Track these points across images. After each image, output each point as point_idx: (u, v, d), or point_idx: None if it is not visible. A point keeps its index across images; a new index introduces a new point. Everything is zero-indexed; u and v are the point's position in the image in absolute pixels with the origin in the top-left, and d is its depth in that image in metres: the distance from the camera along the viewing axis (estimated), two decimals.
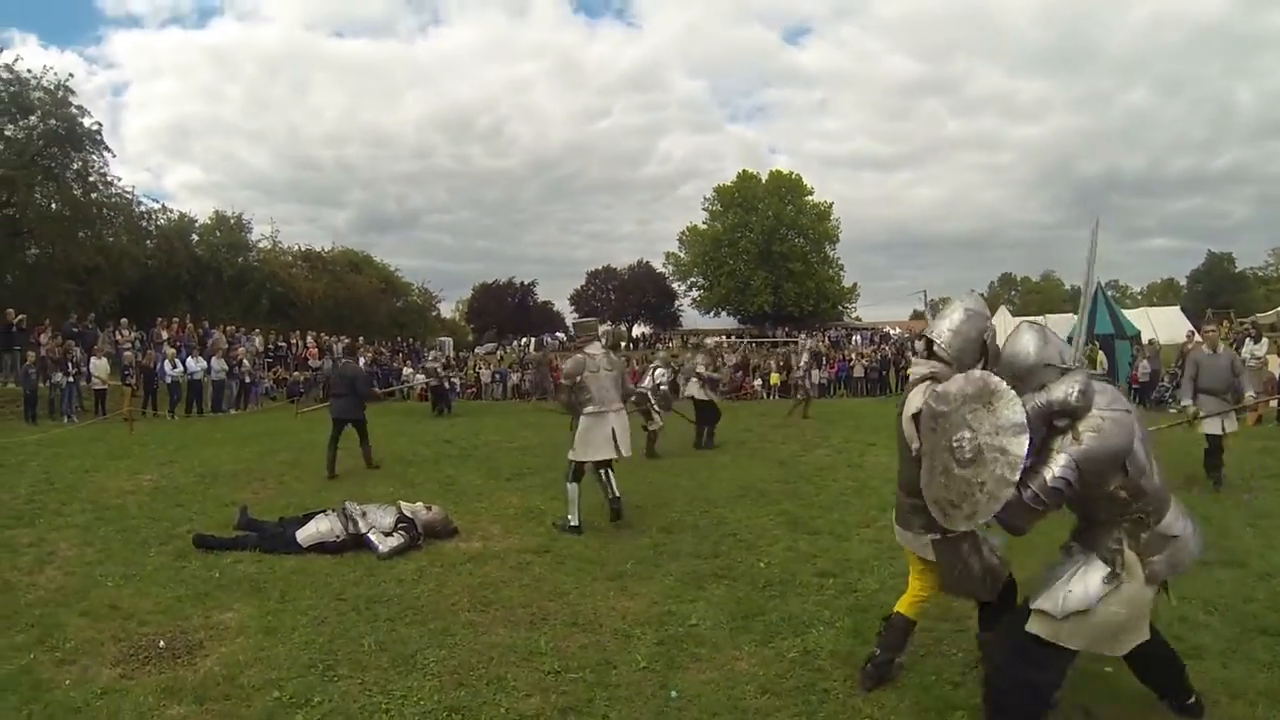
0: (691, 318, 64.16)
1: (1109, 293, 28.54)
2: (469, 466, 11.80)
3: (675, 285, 64.32)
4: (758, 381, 31.06)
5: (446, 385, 25.69)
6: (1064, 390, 3.33)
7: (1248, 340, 17.92)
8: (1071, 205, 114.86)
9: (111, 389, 19.09)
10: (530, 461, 12.14)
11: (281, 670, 4.46)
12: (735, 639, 4.99)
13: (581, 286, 68.63)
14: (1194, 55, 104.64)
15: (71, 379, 18.36)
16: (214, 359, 21.87)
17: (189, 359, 21.29)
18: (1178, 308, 41.08)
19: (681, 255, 61.72)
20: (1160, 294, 71.98)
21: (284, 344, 29.03)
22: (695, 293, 61.70)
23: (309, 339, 29.83)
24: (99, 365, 19.13)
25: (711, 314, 60.53)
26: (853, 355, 34.10)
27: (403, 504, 7.41)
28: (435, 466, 11.84)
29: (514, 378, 32.91)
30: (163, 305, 31.37)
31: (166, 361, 20.51)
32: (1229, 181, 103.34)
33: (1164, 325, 29.32)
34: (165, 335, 22.86)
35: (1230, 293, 56.66)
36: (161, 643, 4.78)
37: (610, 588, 5.83)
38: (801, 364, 25.48)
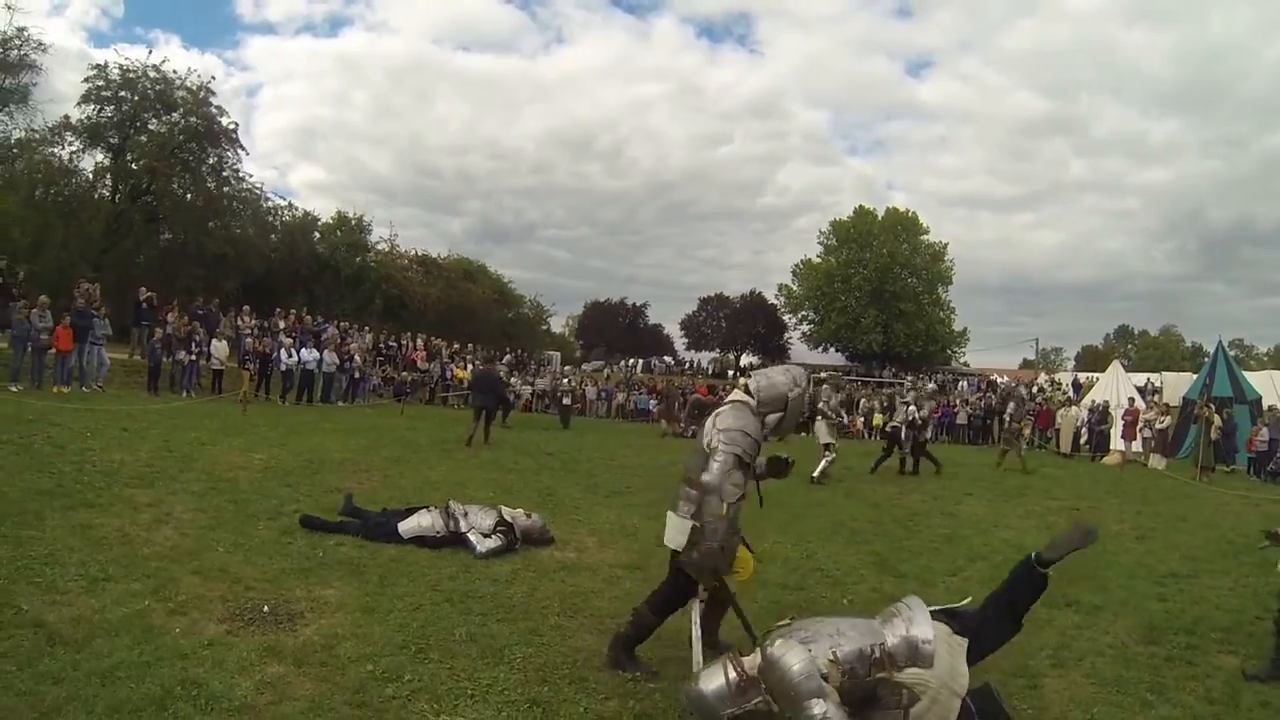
0: (799, 351, 63.70)
1: (1231, 353, 26.96)
2: (569, 480, 12.09)
3: (786, 317, 64.18)
4: (860, 420, 30.56)
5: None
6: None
7: None
8: (1198, 256, 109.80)
9: (228, 370, 20.44)
10: (630, 481, 12.34)
11: (376, 647, 4.74)
12: None
13: (693, 312, 68.96)
14: None
15: (194, 357, 19.74)
16: (326, 351, 23.05)
17: (303, 349, 22.46)
18: None
19: (794, 288, 61.79)
20: None
21: (394, 344, 30.16)
22: (805, 326, 61.61)
23: (418, 341, 30.94)
24: (219, 347, 20.45)
25: (820, 349, 60.28)
26: (958, 401, 33.43)
27: (504, 509, 7.71)
28: (536, 477, 12.17)
29: (620, 397, 33.34)
30: (282, 296, 33.12)
31: (283, 350, 21.69)
32: None
33: None
34: (283, 325, 24.12)
35: None
36: (266, 608, 5.14)
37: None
38: (1008, 412, 24.51)
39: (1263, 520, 11.68)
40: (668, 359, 62.78)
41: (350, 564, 6.36)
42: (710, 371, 58.73)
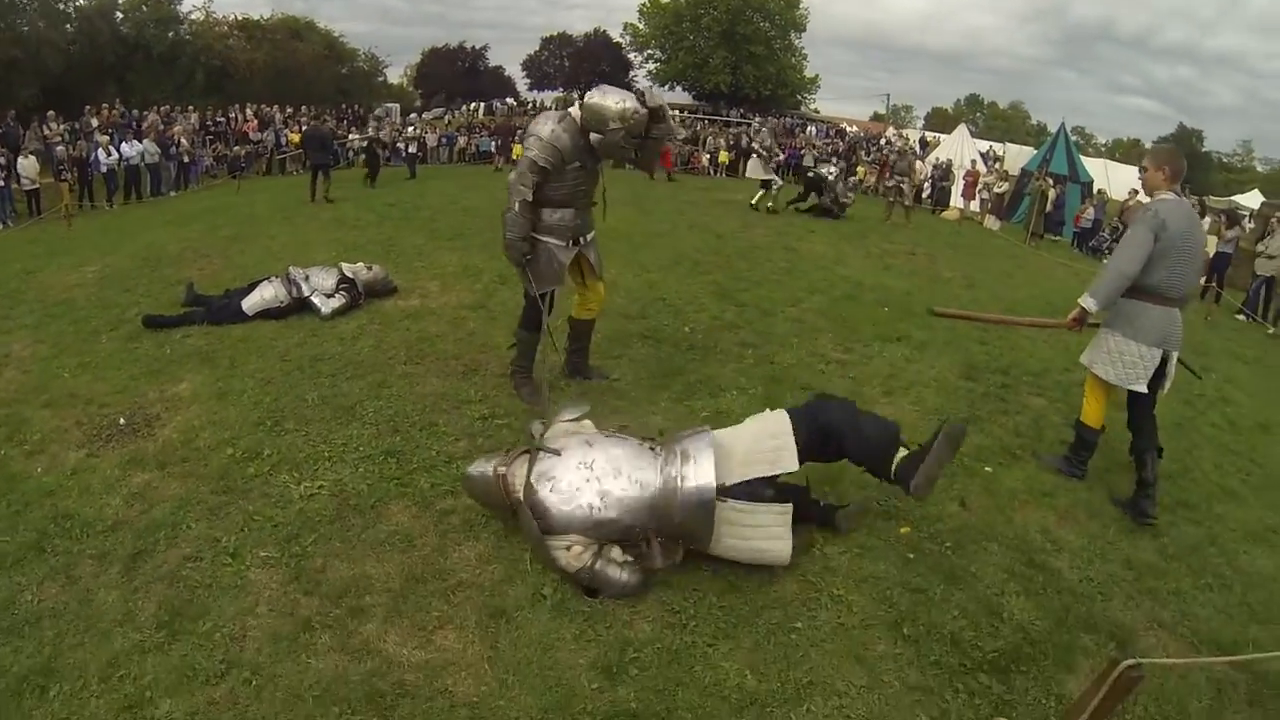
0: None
1: (1072, 138, 27.64)
2: (410, 228, 11.74)
3: (632, 56, 61.39)
4: (706, 157, 30.44)
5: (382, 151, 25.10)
6: None
7: None
8: (1059, 44, 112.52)
9: (44, 187, 18.25)
10: (471, 223, 12.06)
11: (233, 430, 4.74)
12: (653, 395, 5.35)
13: (535, 52, 65.33)
14: None
15: (1, 182, 17.69)
16: (149, 141, 20.92)
17: (123, 145, 20.36)
18: (1136, 169, 39.58)
19: (640, 27, 58.52)
20: (1124, 151, 68.40)
21: (222, 119, 27.84)
22: (651, 65, 59.02)
23: (248, 112, 28.60)
24: (27, 164, 18.22)
25: (666, 87, 58.25)
26: (805, 145, 33.26)
27: (344, 265, 7.49)
28: (377, 229, 11.77)
29: (461, 141, 32.01)
30: (90, 92, 29.57)
31: (100, 150, 19.65)
32: (1221, 64, 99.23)
33: (1119, 182, 27.65)
34: (96, 123, 21.92)
35: (1191, 170, 54.21)
36: (121, 420, 4.99)
37: None
38: (893, 164, 20.58)
39: (1079, 287, 12.29)
40: (510, 101, 59.75)
41: (199, 354, 6.14)
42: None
